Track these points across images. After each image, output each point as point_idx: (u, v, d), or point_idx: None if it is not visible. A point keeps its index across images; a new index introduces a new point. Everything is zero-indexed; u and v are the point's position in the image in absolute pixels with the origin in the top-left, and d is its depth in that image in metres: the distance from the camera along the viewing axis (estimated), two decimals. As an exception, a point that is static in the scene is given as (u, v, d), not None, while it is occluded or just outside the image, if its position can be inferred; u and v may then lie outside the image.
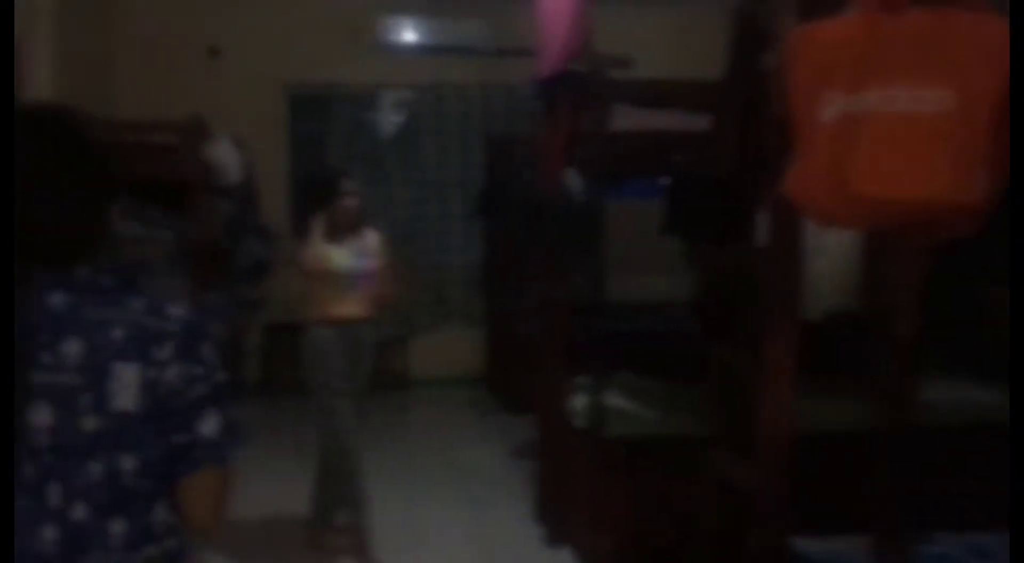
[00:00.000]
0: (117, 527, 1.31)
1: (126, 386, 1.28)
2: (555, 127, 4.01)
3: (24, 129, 1.31)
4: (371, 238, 3.99)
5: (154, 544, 1.34)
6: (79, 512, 1.28)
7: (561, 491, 3.95)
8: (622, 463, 3.34)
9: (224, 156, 5.51)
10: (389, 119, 7.53)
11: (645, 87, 3.52)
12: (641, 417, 3.54)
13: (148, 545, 1.33)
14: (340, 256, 3.86)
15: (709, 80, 2.78)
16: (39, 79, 5.40)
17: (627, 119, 3.35)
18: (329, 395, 3.80)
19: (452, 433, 6.11)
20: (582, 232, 4.47)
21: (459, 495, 4.78)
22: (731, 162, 2.29)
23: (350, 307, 3.87)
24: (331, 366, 3.80)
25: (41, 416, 1.26)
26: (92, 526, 1.29)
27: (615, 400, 3.63)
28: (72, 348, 1.28)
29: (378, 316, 3.99)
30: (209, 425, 1.35)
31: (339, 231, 3.88)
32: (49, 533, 1.27)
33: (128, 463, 1.30)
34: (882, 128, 1.67)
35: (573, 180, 4.06)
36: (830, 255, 4.15)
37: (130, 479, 1.30)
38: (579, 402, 3.72)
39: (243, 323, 6.55)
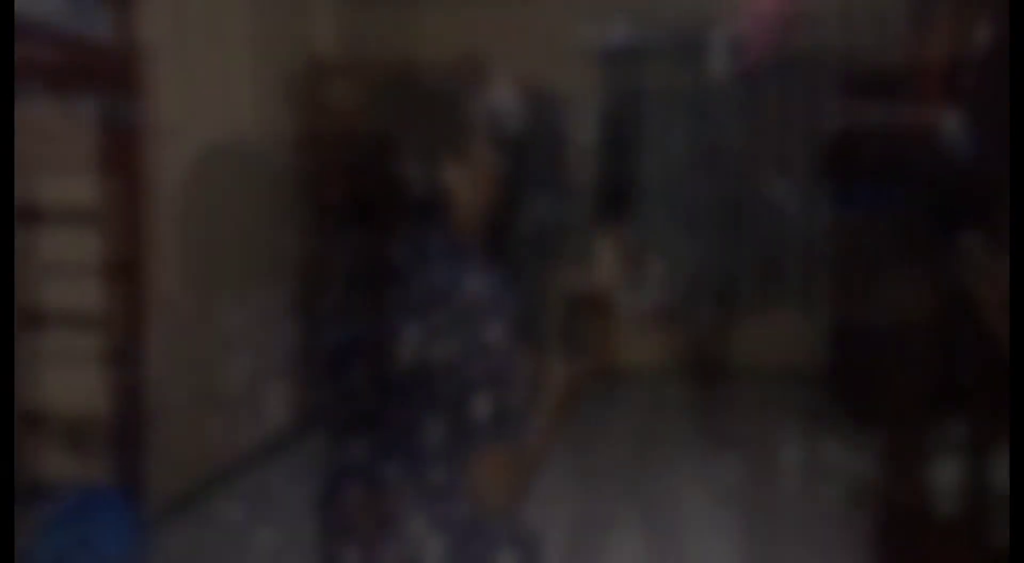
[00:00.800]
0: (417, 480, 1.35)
1: (410, 350, 1.32)
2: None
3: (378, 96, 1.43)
4: (654, 263, 3.13)
5: (434, 505, 1.35)
6: (385, 468, 1.37)
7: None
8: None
9: (502, 104, 4.77)
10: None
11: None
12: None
13: (430, 505, 1.35)
14: (632, 286, 3.02)
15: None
16: (322, 15, 5.17)
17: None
18: None
19: (777, 451, 4.91)
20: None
21: (774, 548, 3.62)
22: None
23: (638, 352, 2.98)
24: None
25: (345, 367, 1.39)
26: (394, 478, 1.36)
27: (1007, 473, 2.31)
28: (373, 305, 1.37)
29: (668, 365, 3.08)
30: (485, 405, 1.33)
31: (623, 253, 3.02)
32: (355, 485, 1.39)
33: (419, 422, 1.33)
34: None
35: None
36: None
37: (419, 438, 1.34)
38: (944, 472, 2.43)
39: (532, 293, 5.84)
